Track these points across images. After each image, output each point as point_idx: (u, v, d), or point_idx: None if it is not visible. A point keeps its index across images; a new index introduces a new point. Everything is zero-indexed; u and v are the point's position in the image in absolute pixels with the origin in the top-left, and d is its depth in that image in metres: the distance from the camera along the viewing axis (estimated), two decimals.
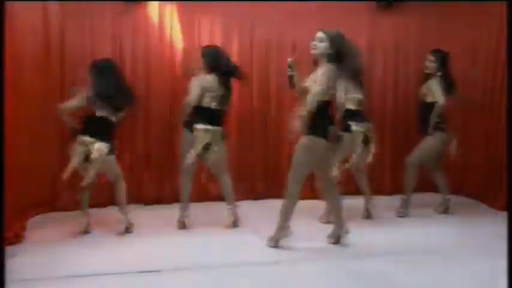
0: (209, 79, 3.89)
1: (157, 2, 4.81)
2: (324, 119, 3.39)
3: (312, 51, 3.40)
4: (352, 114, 4.29)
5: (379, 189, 5.45)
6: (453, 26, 5.30)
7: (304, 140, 3.42)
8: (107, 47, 4.63)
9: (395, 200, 4.79)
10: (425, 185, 4.94)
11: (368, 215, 4.51)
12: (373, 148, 4.39)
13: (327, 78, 3.30)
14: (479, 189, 5.14)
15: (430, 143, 4.45)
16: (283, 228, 3.58)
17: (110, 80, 3.73)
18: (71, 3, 4.49)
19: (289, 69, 3.42)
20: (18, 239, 3.62)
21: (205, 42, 4.68)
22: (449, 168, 4.86)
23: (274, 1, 5.01)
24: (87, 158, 3.70)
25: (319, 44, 3.36)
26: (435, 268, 3.23)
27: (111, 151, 3.79)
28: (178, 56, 4.89)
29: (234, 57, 5.01)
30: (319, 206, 4.52)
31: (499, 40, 4.83)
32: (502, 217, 4.28)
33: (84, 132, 3.70)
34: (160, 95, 4.89)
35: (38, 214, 4.36)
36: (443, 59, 4.41)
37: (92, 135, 3.68)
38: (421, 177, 4.67)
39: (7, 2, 3.32)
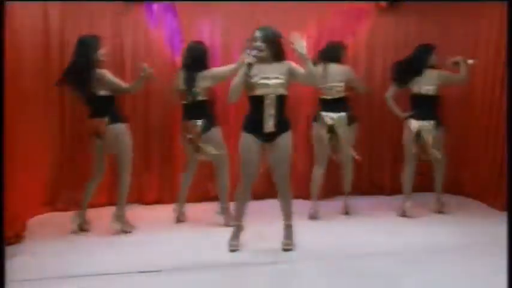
0: (179, 75, 4.07)
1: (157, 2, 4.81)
2: None
3: (258, 54, 3.29)
4: (326, 103, 4.38)
5: (379, 189, 5.47)
6: (453, 26, 5.29)
7: None
8: (107, 47, 4.62)
9: (396, 200, 4.79)
10: (426, 185, 4.94)
11: (347, 212, 4.56)
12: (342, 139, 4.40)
13: None
14: (479, 189, 5.14)
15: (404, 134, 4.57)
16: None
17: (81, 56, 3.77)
18: (71, 3, 4.49)
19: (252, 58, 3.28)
20: (18, 239, 3.63)
21: (205, 42, 4.68)
22: (450, 168, 4.86)
23: (275, 1, 5.01)
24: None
25: (262, 44, 3.33)
26: (435, 268, 3.23)
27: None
28: (179, 56, 4.89)
29: (235, 57, 5.02)
30: (319, 205, 4.53)
31: (499, 40, 4.83)
32: (502, 217, 4.27)
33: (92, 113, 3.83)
34: (160, 95, 4.89)
35: (38, 214, 4.36)
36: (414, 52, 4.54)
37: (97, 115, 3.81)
38: (421, 177, 4.68)
39: (7, 2, 3.32)
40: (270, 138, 3.39)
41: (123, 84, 3.88)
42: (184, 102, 4.05)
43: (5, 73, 3.15)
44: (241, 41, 5.00)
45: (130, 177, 3.98)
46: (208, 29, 4.96)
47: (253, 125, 3.39)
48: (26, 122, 3.99)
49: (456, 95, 5.15)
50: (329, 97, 4.37)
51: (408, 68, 4.47)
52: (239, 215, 3.59)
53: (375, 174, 5.51)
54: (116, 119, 3.86)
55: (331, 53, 4.41)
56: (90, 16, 4.62)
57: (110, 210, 4.29)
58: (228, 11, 4.94)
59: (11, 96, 3.34)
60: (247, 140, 3.41)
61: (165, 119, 4.92)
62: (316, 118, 4.42)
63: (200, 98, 3.99)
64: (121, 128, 3.88)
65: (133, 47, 4.81)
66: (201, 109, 4.02)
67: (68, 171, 4.56)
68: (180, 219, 4.27)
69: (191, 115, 4.02)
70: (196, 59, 4.04)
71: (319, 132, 4.38)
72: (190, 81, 3.98)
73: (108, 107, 3.85)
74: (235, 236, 3.58)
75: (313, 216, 4.42)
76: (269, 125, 3.34)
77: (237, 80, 3.30)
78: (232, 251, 3.51)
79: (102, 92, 3.79)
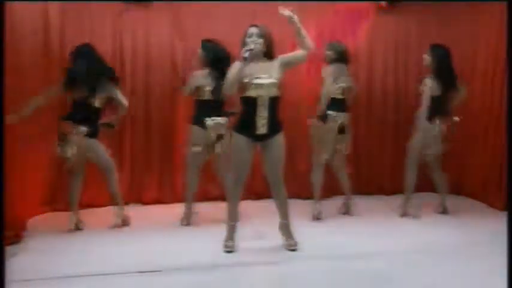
0: (203, 73, 4.01)
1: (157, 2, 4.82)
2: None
3: (254, 47, 3.27)
4: (334, 103, 4.33)
5: (379, 189, 5.47)
6: (453, 26, 5.30)
7: None
8: (107, 47, 4.63)
9: (396, 200, 4.79)
10: (425, 185, 4.94)
11: (346, 211, 4.57)
12: (348, 139, 4.42)
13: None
14: (479, 189, 5.14)
15: (414, 137, 4.48)
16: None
17: (81, 62, 3.83)
18: (71, 3, 4.49)
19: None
20: (18, 238, 3.63)
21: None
22: (450, 168, 4.86)
23: (276, 1, 5.01)
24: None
25: (259, 40, 3.32)
26: (435, 268, 3.23)
27: (92, 135, 3.89)
28: (179, 56, 4.90)
29: (235, 57, 5.03)
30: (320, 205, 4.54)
31: (499, 40, 4.83)
32: (502, 217, 4.27)
33: (68, 118, 3.86)
34: (160, 94, 4.90)
35: (38, 214, 4.36)
36: (439, 54, 4.39)
37: (74, 121, 3.83)
38: (421, 177, 4.69)
39: (7, 2, 3.32)
40: (262, 138, 3.39)
41: None
42: (204, 99, 4.02)
43: (5, 73, 3.15)
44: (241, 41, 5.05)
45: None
46: (209, 28, 4.96)
47: (246, 126, 3.36)
48: (26, 122, 3.98)
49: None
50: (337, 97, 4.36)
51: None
52: (233, 215, 3.58)
53: (375, 174, 5.51)
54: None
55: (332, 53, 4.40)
56: (90, 16, 4.63)
57: (109, 211, 4.33)
58: (229, 11, 4.95)
59: (11, 96, 3.34)
60: (239, 140, 3.39)
61: (165, 118, 4.92)
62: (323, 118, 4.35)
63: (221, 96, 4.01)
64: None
65: (133, 47, 4.82)
66: (221, 107, 4.06)
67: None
68: (187, 222, 4.22)
69: (215, 112, 4.01)
70: (221, 57, 4.02)
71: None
72: (219, 79, 3.92)
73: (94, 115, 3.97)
74: (230, 236, 3.57)
75: (316, 217, 4.42)
76: (262, 127, 3.33)
77: (233, 72, 3.28)
78: (228, 252, 3.50)
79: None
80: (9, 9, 3.41)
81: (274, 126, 3.37)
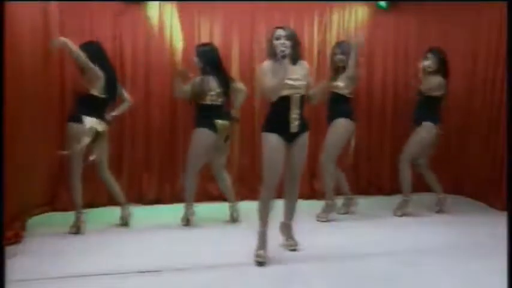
0: (209, 78, 3.98)
1: (157, 2, 4.81)
2: None
3: (286, 50, 3.16)
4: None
5: (378, 190, 5.47)
6: (453, 26, 5.30)
7: None
8: (107, 47, 4.61)
9: (396, 200, 4.79)
10: (425, 185, 4.94)
11: (347, 212, 4.60)
12: (352, 141, 4.44)
13: None
14: (479, 189, 5.14)
15: (419, 136, 4.50)
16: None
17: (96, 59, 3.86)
18: (71, 3, 4.49)
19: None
20: (18, 239, 3.62)
21: (205, 41, 4.67)
22: (450, 168, 4.86)
23: (276, 1, 5.02)
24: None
25: (288, 42, 3.24)
26: (435, 268, 3.23)
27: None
28: (179, 55, 4.90)
29: (235, 57, 5.03)
30: (319, 205, 4.53)
31: (499, 40, 4.83)
32: (502, 217, 4.27)
33: (79, 111, 3.84)
34: (160, 95, 4.89)
35: (38, 214, 4.36)
36: (440, 57, 4.44)
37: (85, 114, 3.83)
38: (419, 177, 4.70)
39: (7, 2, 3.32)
40: (292, 138, 3.35)
41: None
42: (209, 103, 4.02)
43: (5, 73, 3.15)
44: (240, 41, 5.05)
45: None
46: (208, 28, 4.96)
47: (278, 125, 3.31)
48: (26, 122, 3.99)
49: (456, 95, 5.15)
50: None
51: None
52: (265, 220, 3.39)
53: (375, 174, 5.51)
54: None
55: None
56: (90, 16, 4.62)
57: (109, 211, 4.33)
58: (228, 11, 4.95)
59: (11, 96, 3.34)
60: (273, 139, 3.29)
61: (165, 119, 4.92)
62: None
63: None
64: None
65: (133, 47, 4.82)
66: (223, 109, 4.12)
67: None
68: (186, 222, 4.21)
69: (219, 115, 4.05)
70: (216, 62, 4.08)
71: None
72: (226, 83, 4.07)
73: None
74: (263, 245, 3.38)
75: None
76: (295, 125, 3.30)
77: (280, 78, 3.16)
78: (260, 263, 3.29)
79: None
80: (9, 9, 3.40)
81: (303, 124, 3.36)
